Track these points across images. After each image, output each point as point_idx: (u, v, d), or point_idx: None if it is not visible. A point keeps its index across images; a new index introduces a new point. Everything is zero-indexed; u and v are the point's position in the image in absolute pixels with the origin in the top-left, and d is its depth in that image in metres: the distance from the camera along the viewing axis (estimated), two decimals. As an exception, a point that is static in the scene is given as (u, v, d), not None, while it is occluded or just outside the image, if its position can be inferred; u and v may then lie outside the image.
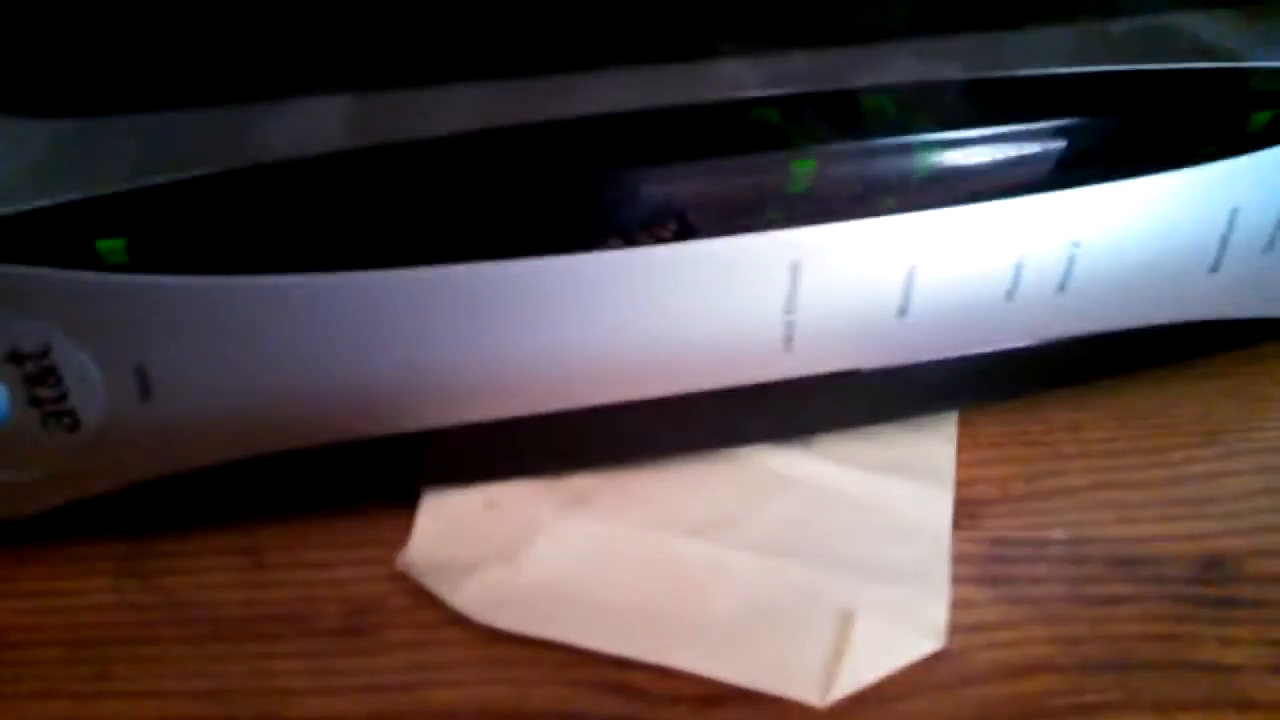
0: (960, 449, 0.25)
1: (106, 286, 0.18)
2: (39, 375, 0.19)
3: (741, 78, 0.21)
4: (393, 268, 0.19)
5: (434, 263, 0.19)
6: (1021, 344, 0.23)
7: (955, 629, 0.21)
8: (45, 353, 0.19)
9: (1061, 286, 0.23)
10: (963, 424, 0.25)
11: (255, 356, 0.20)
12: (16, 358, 0.19)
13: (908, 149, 0.20)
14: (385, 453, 0.22)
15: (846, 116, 0.20)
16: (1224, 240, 0.23)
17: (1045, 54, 0.22)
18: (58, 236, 0.18)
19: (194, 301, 0.19)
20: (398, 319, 0.20)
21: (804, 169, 0.20)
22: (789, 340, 0.22)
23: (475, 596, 0.21)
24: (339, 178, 0.19)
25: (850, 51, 0.22)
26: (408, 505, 0.23)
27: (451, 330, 0.20)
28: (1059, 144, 0.21)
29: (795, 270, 0.21)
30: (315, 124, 0.20)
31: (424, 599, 0.21)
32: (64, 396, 0.19)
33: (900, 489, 0.24)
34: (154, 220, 0.18)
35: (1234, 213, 0.23)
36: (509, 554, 0.22)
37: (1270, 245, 0.24)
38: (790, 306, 0.21)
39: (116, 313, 0.19)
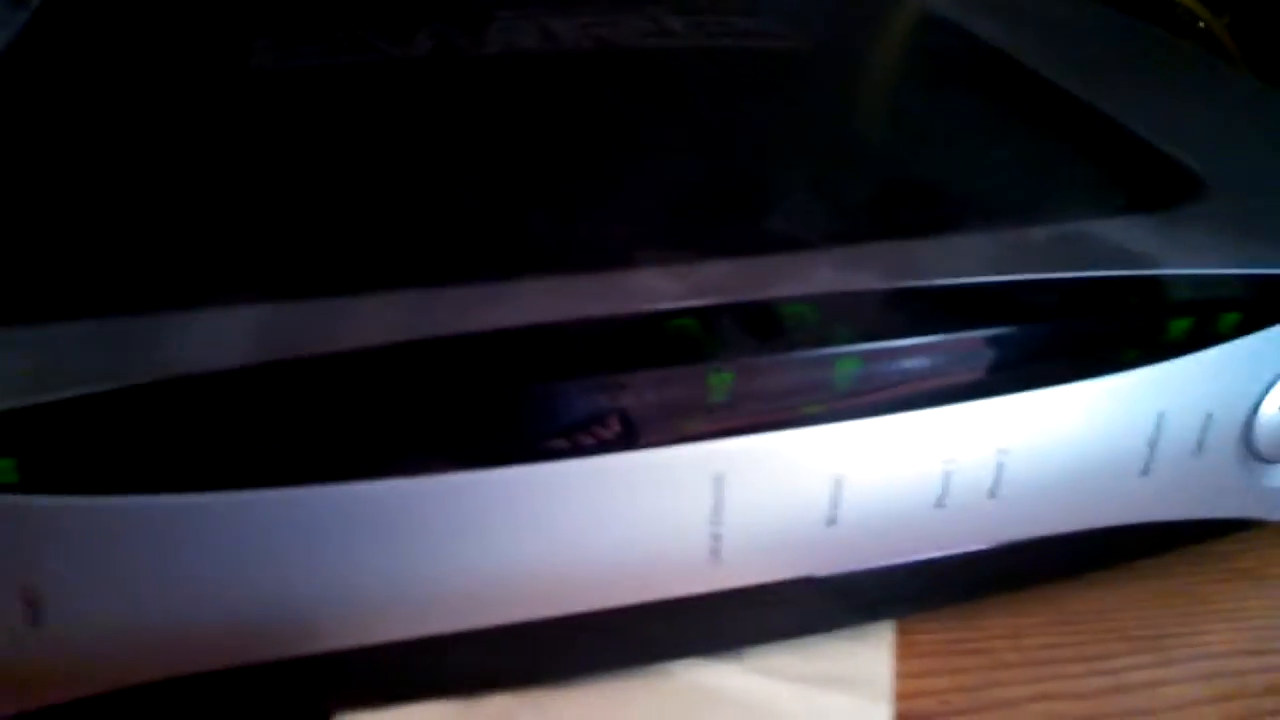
0: (898, 659, 0.24)
1: (-7, 506, 0.18)
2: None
3: (659, 288, 0.21)
4: (299, 485, 0.19)
5: (344, 479, 0.19)
6: (955, 551, 0.23)
7: None
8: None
9: (992, 493, 0.22)
10: (901, 632, 0.24)
11: (154, 579, 0.19)
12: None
13: (829, 359, 0.20)
14: (293, 675, 0.21)
15: (766, 327, 0.20)
16: (1152, 444, 0.23)
17: (964, 262, 0.22)
18: (-58, 455, 0.17)
19: (89, 523, 0.18)
20: (305, 538, 0.19)
21: (723, 380, 0.20)
22: (716, 553, 0.21)
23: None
24: (246, 393, 0.18)
25: (768, 260, 0.22)
26: (317, 730, 0.21)
27: (363, 548, 0.19)
28: (982, 353, 0.21)
29: (719, 482, 0.20)
30: (223, 336, 0.19)
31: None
32: (-58, 621, 0.18)
33: (837, 703, 0.23)
34: (46, 439, 0.18)
35: (1160, 417, 0.23)
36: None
37: (1199, 448, 0.23)
38: (716, 518, 0.21)
39: (4, 535, 0.18)
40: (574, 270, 0.21)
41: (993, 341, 0.21)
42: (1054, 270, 0.22)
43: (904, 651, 0.24)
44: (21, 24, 0.31)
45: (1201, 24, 0.59)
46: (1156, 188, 0.26)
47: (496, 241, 0.22)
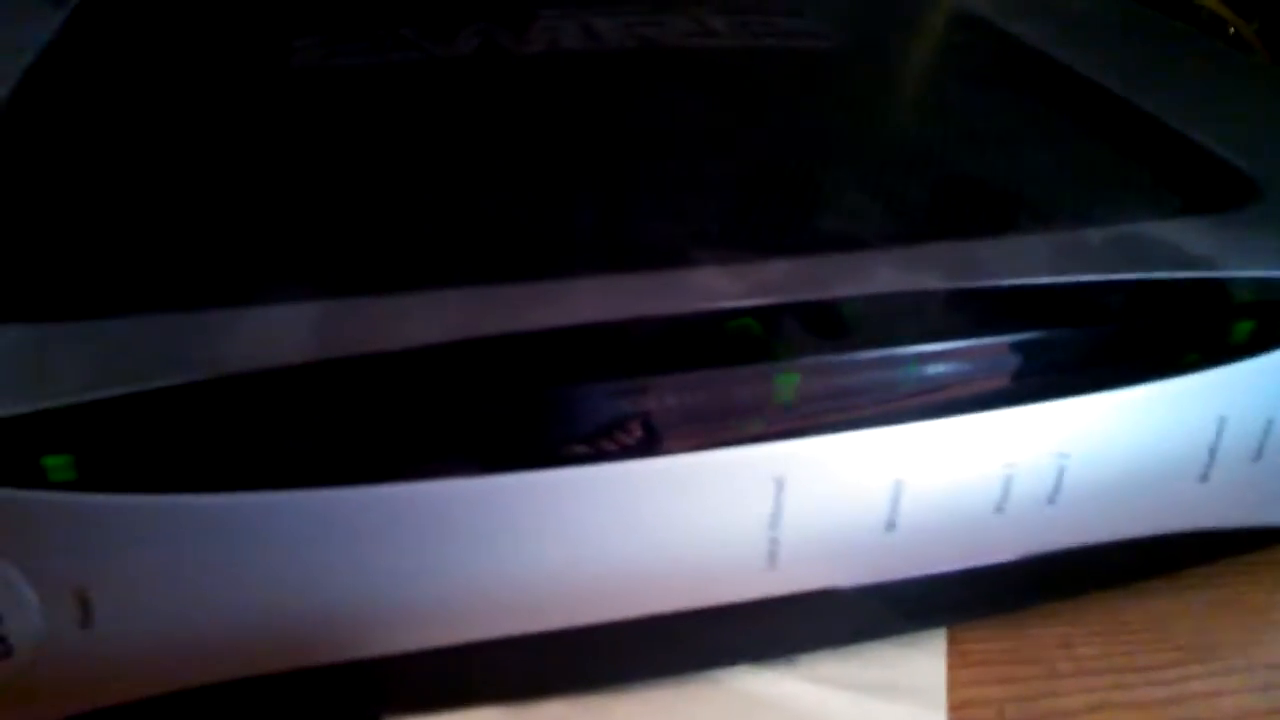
0: (950, 667, 0.23)
1: (50, 505, 0.17)
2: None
3: (718, 287, 0.20)
4: (355, 485, 0.18)
5: (401, 480, 0.18)
6: (1012, 557, 0.23)
7: None
8: (-23, 575, 0.17)
9: (1051, 498, 0.22)
10: (951, 640, 0.24)
11: (208, 580, 0.19)
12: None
13: (893, 361, 0.20)
14: (344, 680, 0.20)
15: (829, 327, 0.20)
16: (1212, 450, 0.23)
17: (1024, 263, 0.22)
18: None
19: (144, 522, 0.18)
20: (360, 538, 0.18)
21: (788, 381, 0.19)
22: (773, 557, 0.21)
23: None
24: (304, 391, 0.18)
25: (828, 260, 0.21)
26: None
27: (418, 551, 0.19)
28: (1043, 354, 0.21)
29: (780, 485, 0.20)
30: (279, 333, 0.19)
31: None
32: (-4, 621, 0.18)
33: (891, 711, 0.22)
34: (104, 436, 0.17)
35: (1221, 422, 0.22)
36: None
37: (1259, 454, 0.23)
38: (775, 523, 0.20)
39: (59, 533, 0.18)
40: (630, 269, 0.21)
41: (1052, 343, 0.21)
42: (1112, 272, 0.22)
43: (955, 660, 0.24)
44: (61, 22, 0.31)
45: (1232, 30, 0.59)
46: (1210, 190, 0.26)
47: (550, 240, 0.22)
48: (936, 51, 0.33)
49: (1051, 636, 0.24)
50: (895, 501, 0.21)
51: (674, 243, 0.22)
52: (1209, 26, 0.58)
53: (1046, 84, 0.31)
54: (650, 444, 0.19)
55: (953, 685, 0.23)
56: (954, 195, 0.24)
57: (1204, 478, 0.23)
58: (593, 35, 0.31)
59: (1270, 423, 0.23)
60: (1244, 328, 0.22)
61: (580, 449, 0.19)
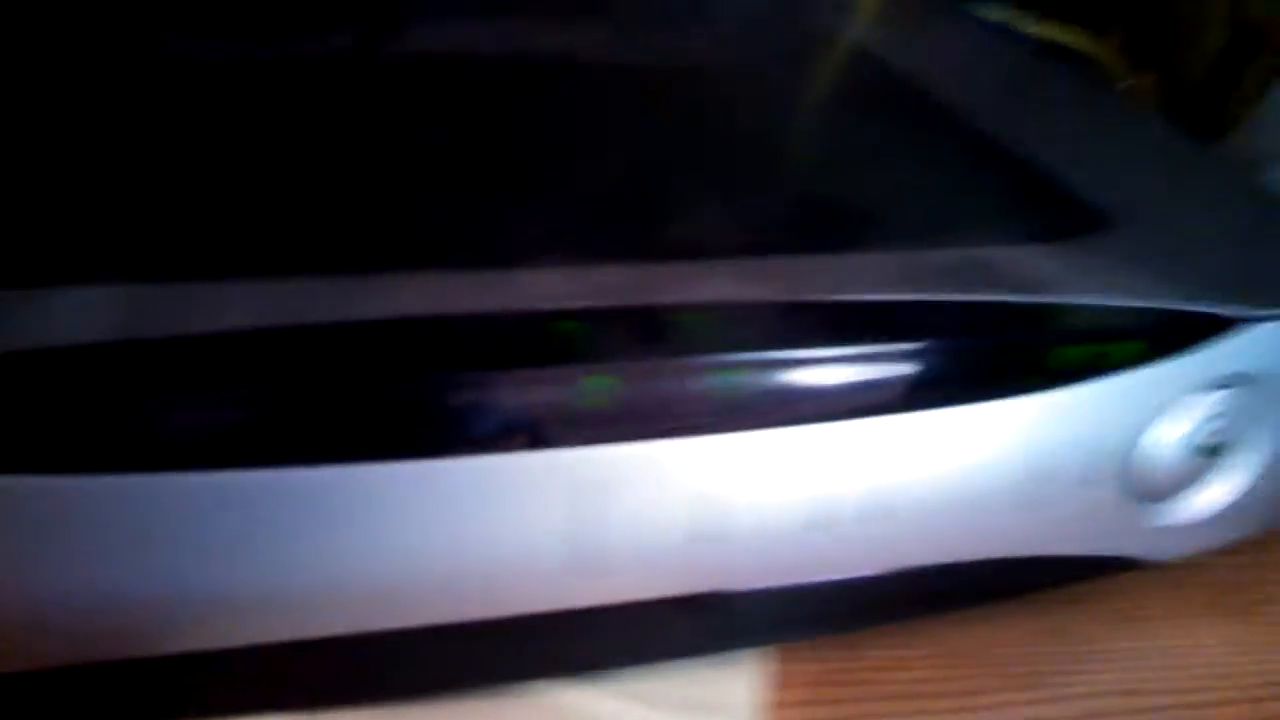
0: (777, 687, 0.23)
1: None
2: None
3: (548, 288, 0.20)
4: (144, 472, 0.17)
5: (187, 469, 0.18)
6: (830, 577, 0.22)
7: None
8: None
9: (868, 519, 0.22)
10: (782, 660, 0.24)
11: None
12: None
13: (710, 370, 0.20)
14: (126, 679, 0.19)
15: (647, 333, 0.20)
16: (1036, 475, 0.23)
17: (858, 280, 0.22)
18: None
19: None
20: (135, 532, 0.18)
21: (595, 385, 0.19)
22: (576, 566, 0.20)
23: None
24: (95, 371, 0.17)
25: (666, 268, 0.21)
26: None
27: (205, 546, 0.18)
28: (864, 372, 0.21)
29: (587, 492, 0.20)
30: (81, 314, 0.18)
31: None
32: None
33: (704, 731, 0.22)
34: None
35: (1041, 448, 0.22)
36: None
37: (1084, 481, 0.23)
38: (577, 530, 0.20)
39: None
40: (461, 267, 0.20)
41: (875, 360, 0.21)
42: (945, 292, 0.22)
43: (784, 680, 0.23)
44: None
45: (1123, 83, 0.60)
46: (1063, 220, 0.26)
47: (385, 235, 0.21)
48: (811, 75, 0.33)
49: (881, 659, 0.24)
50: (704, 514, 0.20)
51: (512, 244, 0.21)
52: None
53: (919, 113, 0.31)
54: (448, 443, 0.19)
55: (777, 705, 0.23)
56: (807, 213, 0.24)
57: (1029, 504, 0.23)
58: (470, 40, 0.30)
59: (1099, 451, 0.23)
60: (1073, 353, 0.22)
61: (376, 445, 0.18)
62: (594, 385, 0.19)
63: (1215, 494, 0.25)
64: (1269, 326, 0.23)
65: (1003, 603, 0.26)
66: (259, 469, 0.18)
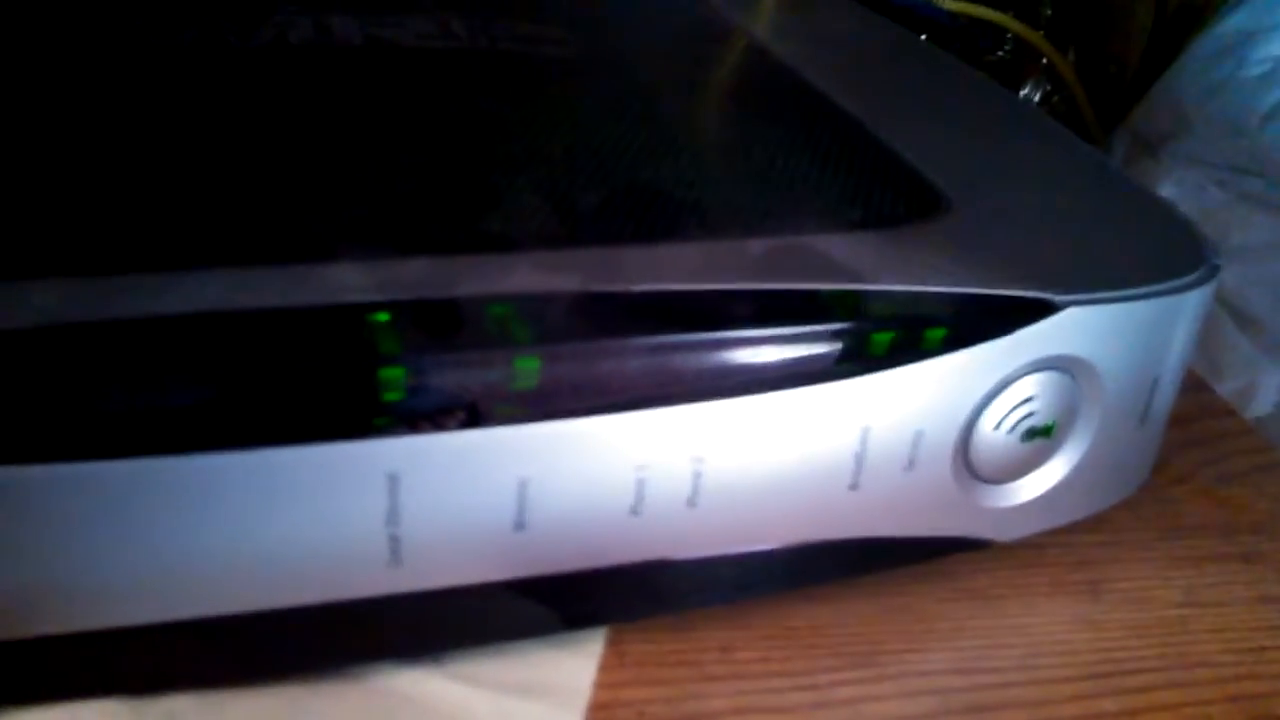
0: (604, 669, 0.24)
1: None
2: None
3: (349, 282, 0.20)
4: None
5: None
6: (654, 558, 0.23)
7: None
8: None
9: (691, 502, 0.22)
10: (612, 642, 0.24)
11: None
12: None
13: (513, 359, 0.20)
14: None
15: (447, 324, 0.20)
16: (858, 458, 0.23)
17: (666, 270, 0.22)
18: None
19: None
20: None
21: (394, 376, 0.19)
22: (395, 554, 0.21)
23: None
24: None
25: (471, 260, 0.21)
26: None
27: (31, 532, 0.19)
28: (672, 358, 0.21)
29: (394, 481, 0.20)
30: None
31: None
32: None
33: (528, 710, 0.22)
34: None
35: (865, 431, 0.23)
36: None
37: (910, 465, 0.24)
38: (393, 519, 0.20)
39: None
40: (268, 261, 0.21)
41: (682, 347, 0.21)
42: (753, 281, 0.22)
43: (611, 661, 0.24)
44: None
45: (1047, 60, 0.60)
46: (899, 207, 0.26)
47: (190, 231, 0.22)
48: (671, 62, 0.34)
49: (713, 639, 0.25)
50: (521, 501, 0.21)
51: (320, 238, 0.22)
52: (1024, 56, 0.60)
53: (772, 98, 0.32)
54: (262, 435, 0.19)
55: (601, 686, 0.23)
56: (627, 203, 0.24)
57: (854, 486, 0.23)
58: (323, 32, 0.31)
59: (919, 433, 0.23)
60: (883, 338, 0.22)
61: (193, 437, 0.19)
62: (389, 377, 0.19)
63: (1048, 475, 0.26)
64: (1089, 310, 0.24)
65: (849, 584, 0.26)
66: (79, 462, 0.18)
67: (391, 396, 0.19)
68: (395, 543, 0.21)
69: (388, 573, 0.21)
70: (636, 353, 0.21)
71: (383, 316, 0.20)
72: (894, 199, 0.26)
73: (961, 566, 0.27)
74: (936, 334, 0.23)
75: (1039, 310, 0.23)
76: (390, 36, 0.31)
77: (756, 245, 0.23)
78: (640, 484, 0.22)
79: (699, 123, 0.29)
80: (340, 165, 0.25)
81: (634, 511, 0.22)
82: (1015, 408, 0.24)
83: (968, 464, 0.24)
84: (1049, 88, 0.56)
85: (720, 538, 0.23)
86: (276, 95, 0.27)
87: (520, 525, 0.21)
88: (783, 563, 0.24)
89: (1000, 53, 0.60)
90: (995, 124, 0.33)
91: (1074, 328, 0.24)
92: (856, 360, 0.22)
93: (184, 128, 0.25)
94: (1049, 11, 0.63)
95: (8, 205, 0.22)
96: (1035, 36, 0.57)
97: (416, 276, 0.21)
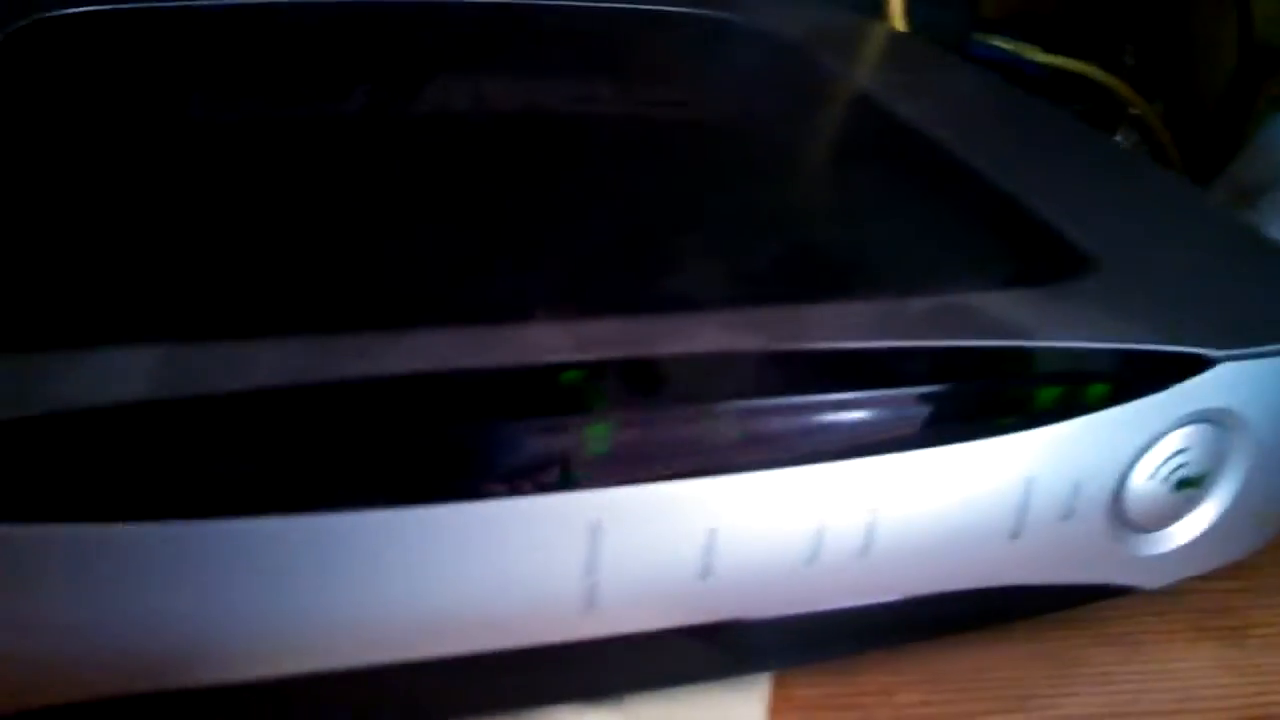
0: (773, 712, 0.24)
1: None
2: None
3: (549, 342, 0.22)
4: (179, 520, 0.19)
5: (218, 516, 0.19)
6: (828, 608, 0.24)
7: None
8: None
9: (862, 553, 0.23)
10: (777, 685, 0.25)
11: (41, 610, 0.19)
12: None
13: (708, 416, 0.21)
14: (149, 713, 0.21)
15: (645, 382, 0.21)
16: (1021, 509, 0.24)
17: (844, 328, 0.23)
18: None
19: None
20: (170, 574, 0.19)
21: (599, 432, 0.20)
22: (590, 602, 0.22)
23: None
24: (134, 429, 0.19)
25: (658, 320, 0.23)
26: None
27: (234, 585, 0.20)
28: (853, 415, 0.22)
29: (595, 532, 0.21)
30: (118, 374, 0.20)
31: None
32: None
33: (707, 753, 0.23)
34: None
35: (1029, 483, 0.24)
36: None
37: (1068, 514, 0.24)
38: (591, 567, 0.21)
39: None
40: (469, 322, 0.22)
41: (863, 404, 0.22)
42: (924, 338, 0.23)
43: (779, 705, 0.25)
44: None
45: (1134, 110, 0.61)
46: (1047, 265, 0.27)
47: (397, 294, 0.23)
48: (810, 126, 0.35)
49: (873, 683, 0.25)
50: (708, 551, 0.22)
51: (515, 300, 0.23)
52: (1115, 106, 0.60)
53: (910, 160, 0.33)
54: (470, 489, 0.20)
55: (771, 728, 0.24)
56: (791, 263, 0.25)
57: (1015, 535, 0.24)
58: (480, 98, 0.32)
59: (1077, 485, 0.24)
60: (1048, 394, 0.23)
61: (403, 493, 0.20)
62: (595, 433, 0.20)
63: (1196, 522, 0.26)
64: (1243, 365, 0.25)
65: (997, 629, 0.27)
66: (291, 515, 0.19)
67: (597, 450, 0.21)
68: (591, 590, 0.22)
69: (580, 619, 0.22)
70: (819, 409, 0.22)
71: (587, 375, 0.21)
72: (1040, 258, 0.27)
73: (1101, 613, 0.28)
74: (1099, 390, 0.24)
75: (1195, 365, 0.24)
76: (539, 101, 0.32)
77: (919, 303, 0.24)
78: (818, 535, 0.23)
79: (840, 183, 0.30)
80: (524, 231, 0.26)
81: (810, 561, 0.23)
82: (1168, 459, 0.25)
83: (1120, 513, 0.25)
84: (1138, 137, 0.57)
85: (888, 586, 0.24)
86: (454, 162, 0.29)
87: (705, 573, 0.22)
88: (943, 609, 0.25)
89: (1082, 105, 0.60)
90: (1121, 179, 0.34)
91: (1228, 382, 0.25)
92: (1023, 414, 0.23)
93: (378, 195, 0.27)
94: (1131, 61, 0.63)
95: (237, 268, 0.23)
96: (1122, 86, 0.57)
97: (611, 335, 0.22)
